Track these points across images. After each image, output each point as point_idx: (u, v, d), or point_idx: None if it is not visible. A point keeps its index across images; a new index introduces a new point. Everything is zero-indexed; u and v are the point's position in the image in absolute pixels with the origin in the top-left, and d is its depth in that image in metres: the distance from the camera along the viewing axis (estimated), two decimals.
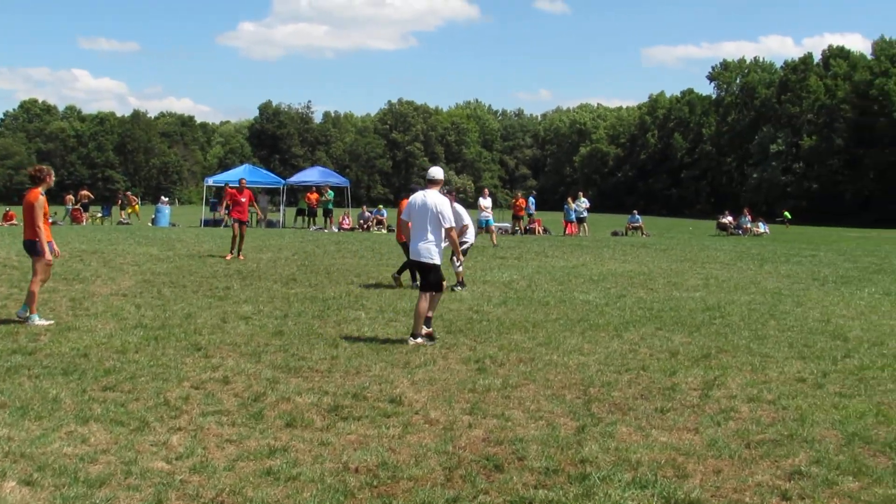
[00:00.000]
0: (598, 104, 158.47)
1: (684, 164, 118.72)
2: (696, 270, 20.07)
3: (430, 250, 10.20)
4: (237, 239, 21.05)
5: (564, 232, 37.87)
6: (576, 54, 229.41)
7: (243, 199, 21.51)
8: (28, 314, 10.82)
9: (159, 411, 6.83)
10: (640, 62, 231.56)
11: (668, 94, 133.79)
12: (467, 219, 15.28)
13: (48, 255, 11.10)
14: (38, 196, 11.08)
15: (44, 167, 11.54)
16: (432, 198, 10.25)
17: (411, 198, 10.52)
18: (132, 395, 7.36)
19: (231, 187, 22.48)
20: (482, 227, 29.60)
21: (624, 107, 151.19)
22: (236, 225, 21.20)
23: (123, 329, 10.54)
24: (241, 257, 20.74)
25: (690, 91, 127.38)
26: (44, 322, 10.75)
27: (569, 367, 8.77)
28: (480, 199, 31.33)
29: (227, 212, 21.66)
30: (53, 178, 11.60)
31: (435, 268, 10.27)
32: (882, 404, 7.39)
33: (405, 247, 15.00)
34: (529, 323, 11.57)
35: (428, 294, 10.18)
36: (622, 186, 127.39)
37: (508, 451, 6.00)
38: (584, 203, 37.68)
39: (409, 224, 10.41)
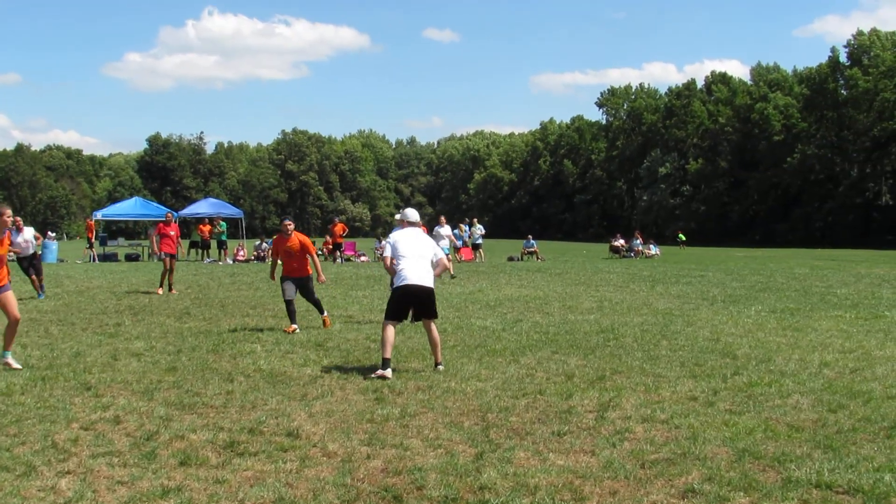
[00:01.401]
0: (490, 131, 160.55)
1: (576, 189, 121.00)
2: (591, 293, 20.42)
3: (432, 279, 10.51)
4: (168, 273, 20.87)
5: (458, 259, 38.09)
6: (466, 82, 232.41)
7: (172, 233, 21.26)
8: None
9: (47, 454, 6.60)
10: (528, 89, 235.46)
11: (557, 121, 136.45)
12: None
13: None
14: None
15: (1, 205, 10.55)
16: (422, 234, 10.87)
17: (398, 237, 10.68)
18: (18, 438, 7.09)
19: (160, 221, 22.55)
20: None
21: (516, 133, 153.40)
22: (167, 259, 20.89)
23: (7, 370, 10.17)
24: (174, 291, 20.53)
25: (580, 117, 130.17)
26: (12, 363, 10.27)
27: (467, 394, 8.80)
28: (437, 228, 29.38)
29: (157, 246, 21.34)
30: (7, 217, 10.44)
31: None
32: (770, 420, 7.62)
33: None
34: (427, 350, 11.55)
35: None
36: (517, 212, 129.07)
37: (407, 481, 5.98)
38: (479, 230, 37.86)
39: (393, 261, 10.50)
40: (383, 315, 10.52)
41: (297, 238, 13.99)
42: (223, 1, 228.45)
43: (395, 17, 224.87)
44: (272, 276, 15.19)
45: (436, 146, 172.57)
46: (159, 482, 5.95)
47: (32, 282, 19.35)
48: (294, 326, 13.59)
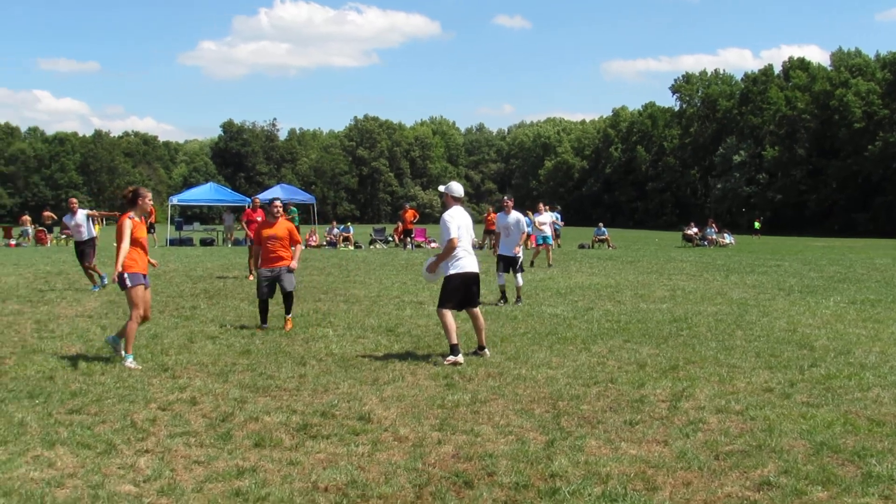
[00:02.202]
0: (561, 118, 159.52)
1: (649, 176, 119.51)
2: (663, 282, 20.20)
3: None
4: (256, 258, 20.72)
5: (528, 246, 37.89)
6: (537, 69, 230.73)
7: (258, 218, 21.11)
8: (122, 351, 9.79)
9: (126, 433, 6.77)
10: (600, 76, 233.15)
11: (629, 108, 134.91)
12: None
13: (128, 283, 9.80)
14: (125, 221, 9.95)
15: (139, 188, 10.22)
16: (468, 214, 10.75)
17: (459, 219, 10.40)
18: (99, 417, 7.28)
19: (245, 207, 22.25)
20: (539, 245, 27.22)
21: (588, 120, 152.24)
22: (253, 247, 20.78)
23: (89, 351, 10.44)
24: (251, 277, 20.38)
25: (652, 104, 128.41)
26: (134, 366, 9.51)
27: (537, 381, 8.79)
28: (536, 216, 27.47)
29: (247, 232, 21.32)
30: (149, 201, 10.29)
31: None
32: (849, 413, 7.46)
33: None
34: (498, 337, 11.58)
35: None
36: (588, 199, 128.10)
37: (478, 467, 5.99)
38: (552, 217, 37.47)
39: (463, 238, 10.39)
40: (439, 303, 10.32)
41: (283, 223, 12.85)
42: None
43: (466, 4, 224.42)
44: (253, 268, 13.63)
45: (506, 133, 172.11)
46: (234, 462, 6.05)
47: (86, 271, 18.27)
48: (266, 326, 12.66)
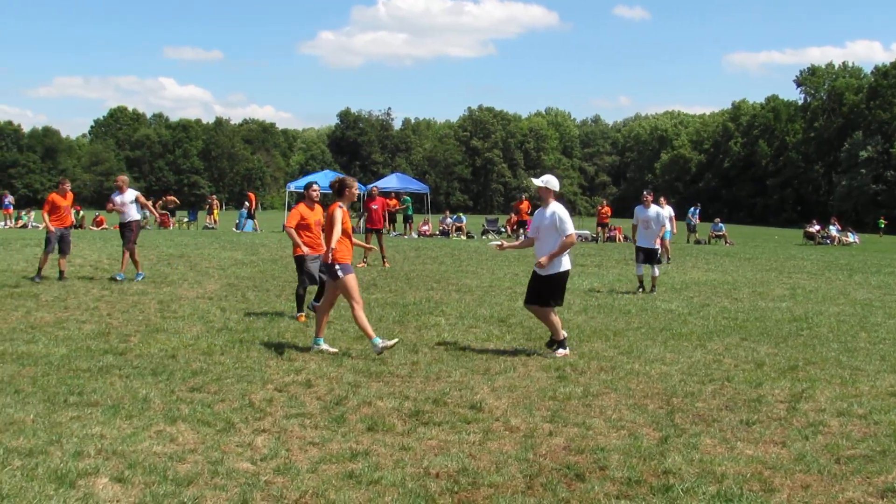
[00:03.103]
0: (678, 111, 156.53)
1: (769, 172, 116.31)
2: (783, 280, 19.67)
3: None
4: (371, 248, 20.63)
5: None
6: (656, 60, 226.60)
7: (375, 207, 21.20)
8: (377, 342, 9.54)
9: (244, 413, 6.95)
10: (722, 68, 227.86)
11: (750, 101, 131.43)
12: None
13: (340, 274, 9.71)
14: (335, 210, 9.82)
15: (345, 178, 10.13)
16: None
17: (566, 214, 10.10)
18: (218, 396, 7.50)
19: (364, 195, 21.79)
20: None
21: (706, 113, 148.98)
22: (370, 235, 21.03)
23: (209, 331, 10.75)
24: (386, 264, 20.67)
25: (775, 97, 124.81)
26: (386, 343, 9.49)
27: (651, 377, 8.67)
28: (658, 210, 26.96)
29: (362, 221, 21.37)
30: (355, 191, 10.15)
31: None
32: None
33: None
34: (610, 331, 11.47)
35: None
36: (705, 194, 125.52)
37: (590, 460, 5.95)
38: (668, 210, 36.89)
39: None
40: (548, 301, 10.10)
41: (320, 209, 12.07)
42: None
43: None
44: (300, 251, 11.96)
45: (622, 125, 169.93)
46: (348, 445, 6.15)
47: (124, 255, 16.72)
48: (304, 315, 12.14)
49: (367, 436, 6.42)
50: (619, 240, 37.31)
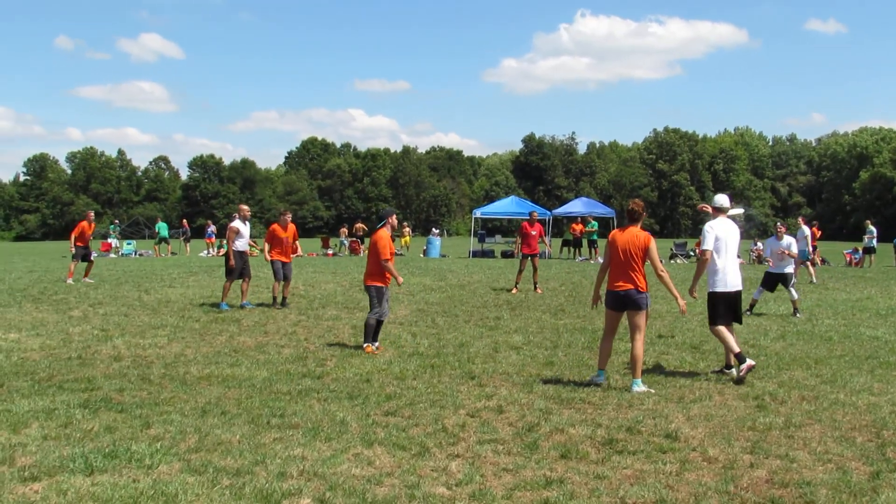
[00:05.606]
0: (879, 127, 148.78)
1: None
2: None
3: None
4: (524, 273, 20.91)
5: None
6: (851, 75, 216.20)
7: (534, 233, 21.28)
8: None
9: (438, 437, 7.05)
10: None
11: None
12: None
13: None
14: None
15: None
16: (736, 227, 10.33)
17: (720, 231, 10.06)
18: (412, 420, 7.64)
19: (524, 220, 21.95)
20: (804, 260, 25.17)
21: None
22: (525, 260, 21.00)
23: (401, 356, 10.98)
24: (539, 290, 20.57)
25: None
26: (642, 388, 9.09)
27: (858, 408, 8.24)
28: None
29: (518, 247, 21.58)
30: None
31: None
32: None
33: None
34: (811, 359, 10.99)
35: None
36: None
37: (795, 495, 5.70)
38: (871, 232, 35.27)
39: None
40: (709, 320, 10.13)
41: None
42: (595, 3, 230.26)
43: (776, 9, 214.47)
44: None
45: (814, 143, 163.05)
46: (542, 472, 6.13)
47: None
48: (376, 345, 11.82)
49: (560, 463, 6.38)
50: (819, 262, 35.74)
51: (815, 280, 24.42)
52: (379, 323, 11.73)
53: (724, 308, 9.99)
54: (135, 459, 6.30)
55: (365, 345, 11.61)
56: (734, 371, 9.84)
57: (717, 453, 6.65)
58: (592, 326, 13.97)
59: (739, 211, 17.39)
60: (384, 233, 11.70)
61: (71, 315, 14.86)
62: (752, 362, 9.58)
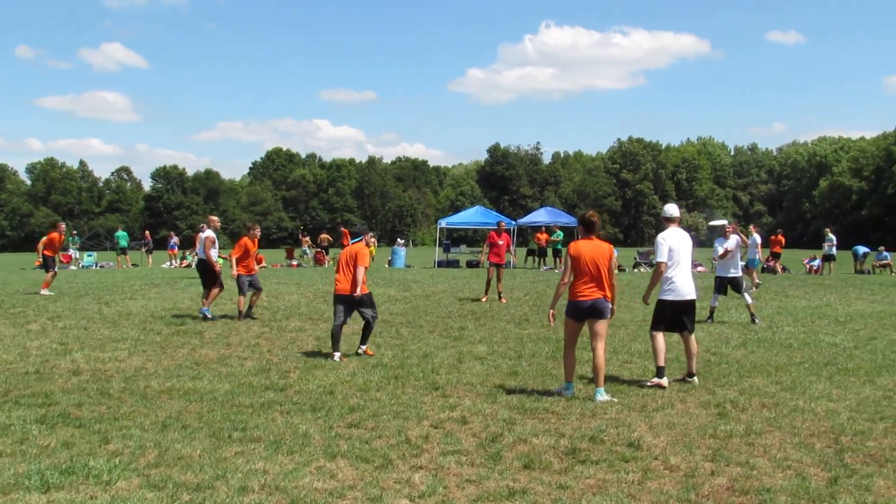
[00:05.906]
0: (838, 136, 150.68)
1: None
2: None
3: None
4: (497, 282, 20.83)
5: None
6: (811, 85, 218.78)
7: (501, 243, 21.31)
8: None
9: (401, 449, 7.02)
10: (882, 91, 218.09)
11: None
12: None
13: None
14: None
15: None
16: (687, 236, 10.36)
17: (671, 240, 10.18)
18: (375, 432, 7.61)
19: (492, 230, 22.00)
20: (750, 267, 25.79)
21: (867, 137, 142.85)
22: (492, 269, 21.00)
23: (365, 368, 10.95)
24: (503, 300, 20.53)
25: None
26: (606, 398, 9.06)
27: (817, 414, 8.32)
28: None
29: (485, 255, 21.59)
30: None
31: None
32: None
33: None
34: (772, 366, 11.09)
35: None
36: (867, 222, 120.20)
37: (755, 502, 5.75)
38: (830, 239, 35.76)
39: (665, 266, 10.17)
40: (651, 325, 10.29)
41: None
42: (560, 14, 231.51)
43: (738, 20, 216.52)
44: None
45: (775, 153, 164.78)
46: (505, 483, 6.13)
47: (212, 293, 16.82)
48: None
49: (523, 474, 6.38)
50: (779, 270, 36.08)
51: (755, 285, 24.78)
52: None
53: (671, 316, 10.08)
54: (92, 475, 6.22)
55: (364, 347, 12.31)
56: (696, 379, 9.95)
57: (679, 461, 6.68)
58: (556, 336, 13.99)
59: (722, 222, 17.67)
60: (363, 245, 12.08)
61: (29, 329, 14.66)
62: (665, 383, 9.67)
